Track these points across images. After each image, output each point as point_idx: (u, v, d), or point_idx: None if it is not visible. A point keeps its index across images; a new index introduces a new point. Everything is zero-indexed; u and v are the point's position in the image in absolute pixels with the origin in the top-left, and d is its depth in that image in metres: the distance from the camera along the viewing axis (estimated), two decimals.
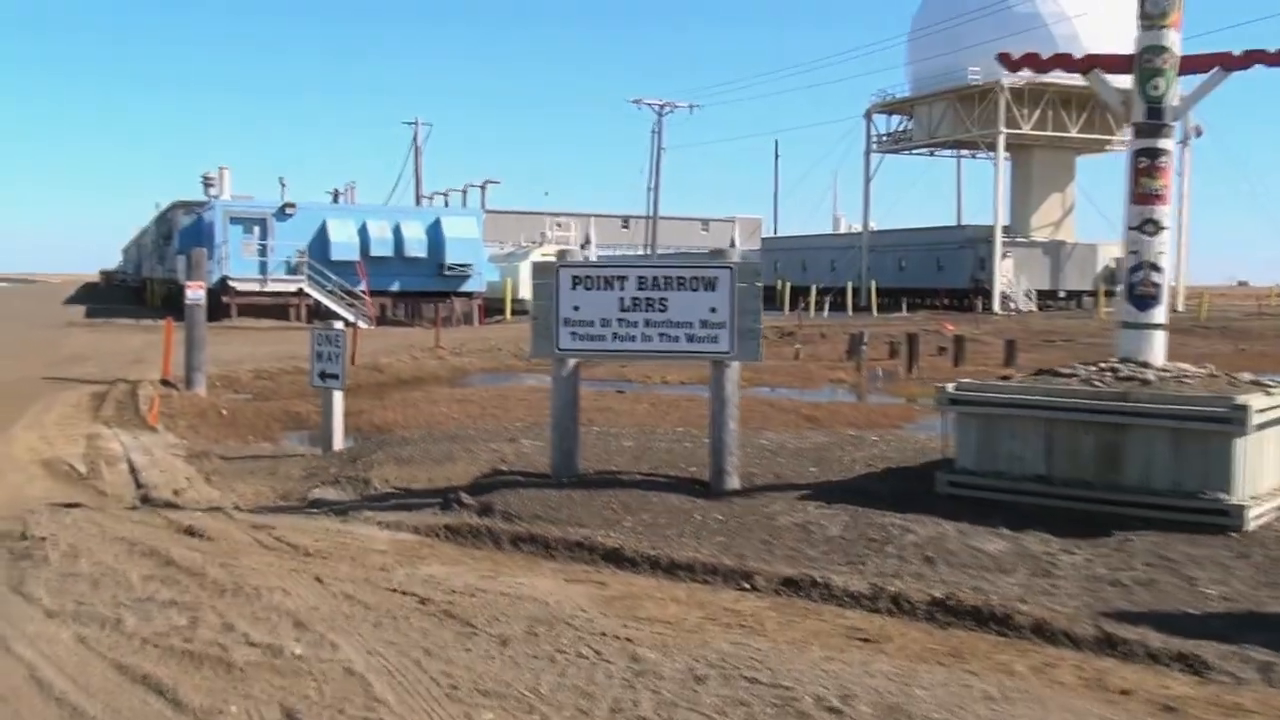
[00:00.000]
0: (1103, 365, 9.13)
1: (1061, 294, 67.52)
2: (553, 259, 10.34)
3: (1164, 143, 9.00)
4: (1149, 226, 8.97)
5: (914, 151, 76.52)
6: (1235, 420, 7.78)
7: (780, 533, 8.21)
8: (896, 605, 6.62)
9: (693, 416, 22.07)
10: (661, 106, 69.44)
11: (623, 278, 9.69)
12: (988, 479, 8.76)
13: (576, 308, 9.77)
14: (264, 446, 15.94)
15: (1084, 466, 8.43)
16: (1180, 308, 64.42)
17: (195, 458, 14.21)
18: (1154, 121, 8.97)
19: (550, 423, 10.33)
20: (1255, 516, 7.84)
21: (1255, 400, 7.93)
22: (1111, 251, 67.81)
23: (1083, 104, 64.68)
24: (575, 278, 9.77)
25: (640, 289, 9.64)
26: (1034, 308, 63.67)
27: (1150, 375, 8.72)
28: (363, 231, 46.92)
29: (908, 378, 33.10)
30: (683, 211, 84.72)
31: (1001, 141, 62.88)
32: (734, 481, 9.70)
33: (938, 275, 67.79)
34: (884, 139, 75.66)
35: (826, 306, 57.30)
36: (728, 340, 9.52)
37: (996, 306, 61.47)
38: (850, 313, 57.59)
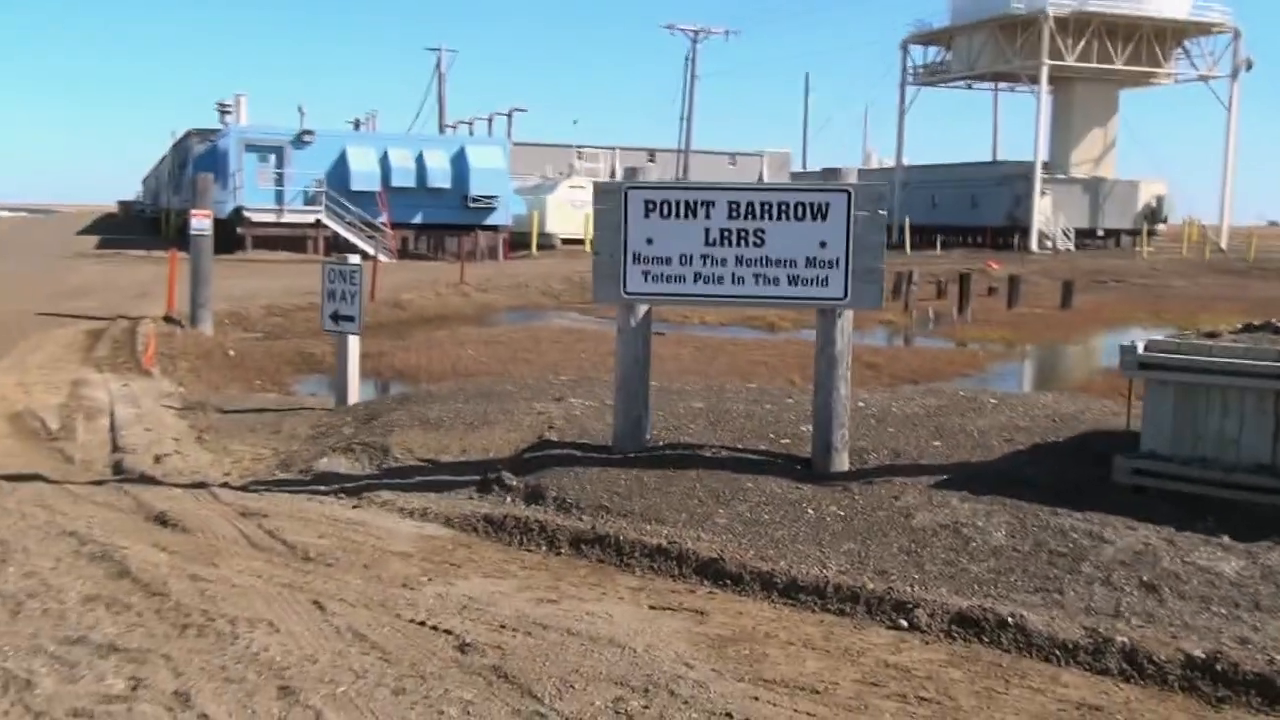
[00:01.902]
0: None
1: (1100, 233, 65.46)
2: (609, 180, 8.35)
3: None
4: None
5: (951, 84, 73.91)
6: None
7: (925, 538, 6.24)
8: (1134, 666, 4.67)
9: (741, 364, 20.12)
10: (696, 33, 66.56)
11: (709, 203, 7.66)
12: (1188, 467, 6.75)
13: (650, 240, 7.75)
14: (269, 397, 14.05)
15: None
16: (1225, 248, 62.20)
17: (190, 410, 12.34)
18: None
19: (615, 383, 8.36)
20: None
21: None
22: (1153, 189, 65.59)
23: (1129, 34, 62.09)
24: (649, 203, 7.74)
25: (731, 218, 7.62)
26: (1071, 246, 61.57)
27: None
28: (384, 160, 44.70)
29: (960, 320, 31.07)
30: (711, 144, 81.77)
31: (1044, 74, 60.17)
32: (844, 460, 7.74)
33: (972, 213, 65.42)
34: (920, 71, 73.06)
35: None
36: (840, 283, 7.51)
37: (1043, 244, 59.24)
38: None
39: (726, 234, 7.64)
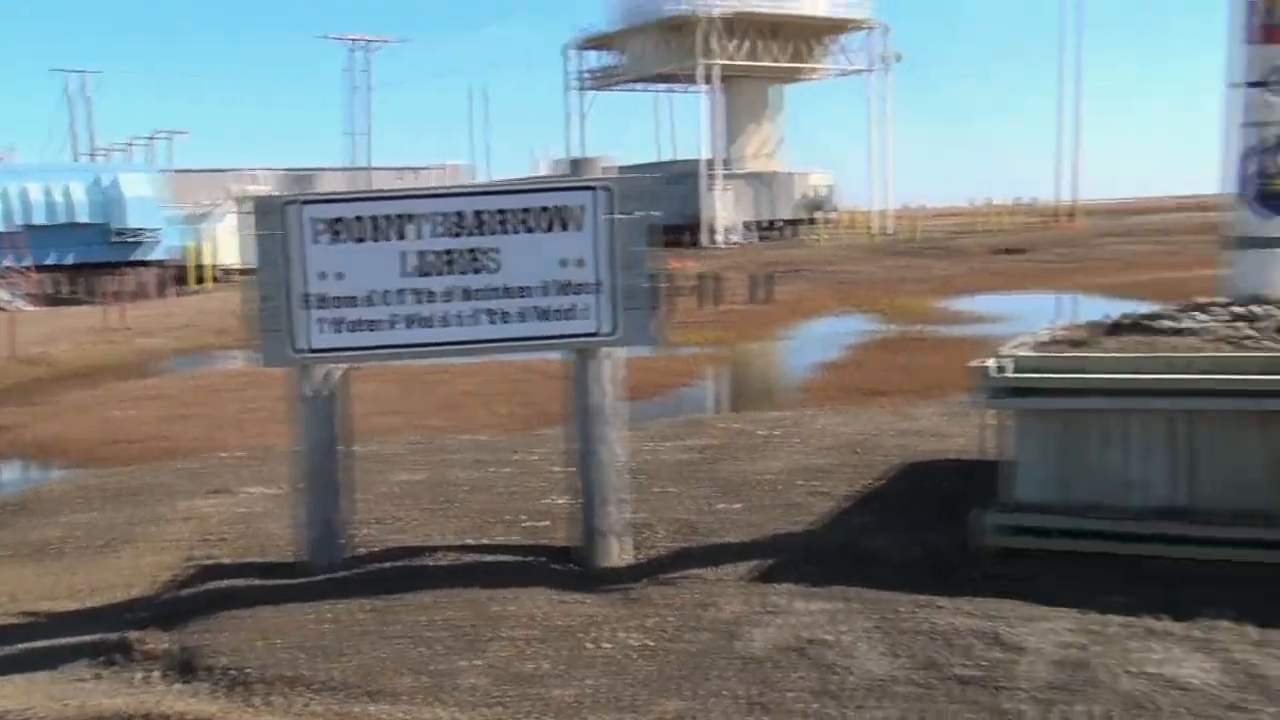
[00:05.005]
0: (1213, 307, 5.78)
1: (773, 224, 67.24)
2: (266, 195, 6.10)
3: None
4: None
5: (624, 87, 74.35)
6: None
7: (774, 675, 4.35)
8: None
9: (445, 396, 17.76)
10: (369, 42, 63.32)
11: (409, 217, 5.50)
12: (1075, 518, 5.20)
13: (330, 275, 5.52)
14: None
15: (1253, 487, 5.02)
16: (891, 231, 65.21)
17: None
18: None
19: (298, 474, 6.05)
20: None
21: None
22: (821, 179, 68.17)
23: (785, 32, 64.19)
24: (323, 222, 5.50)
25: (444, 234, 5.50)
26: (749, 239, 62.76)
27: None
28: (15, 196, 39.38)
29: (662, 323, 29.87)
30: (388, 160, 78.57)
31: (703, 73, 61.14)
32: (625, 549, 5.80)
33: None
34: (592, 75, 73.07)
35: None
36: (601, 313, 5.55)
37: (715, 239, 59.70)
38: None
39: (440, 258, 5.52)
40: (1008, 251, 52.64)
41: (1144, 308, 6.69)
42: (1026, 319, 17.94)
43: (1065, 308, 27.76)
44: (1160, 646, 4.30)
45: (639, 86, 74.73)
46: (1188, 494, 5.09)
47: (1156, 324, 5.76)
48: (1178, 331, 5.59)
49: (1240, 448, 5.01)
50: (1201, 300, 6.01)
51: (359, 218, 5.50)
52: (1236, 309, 5.69)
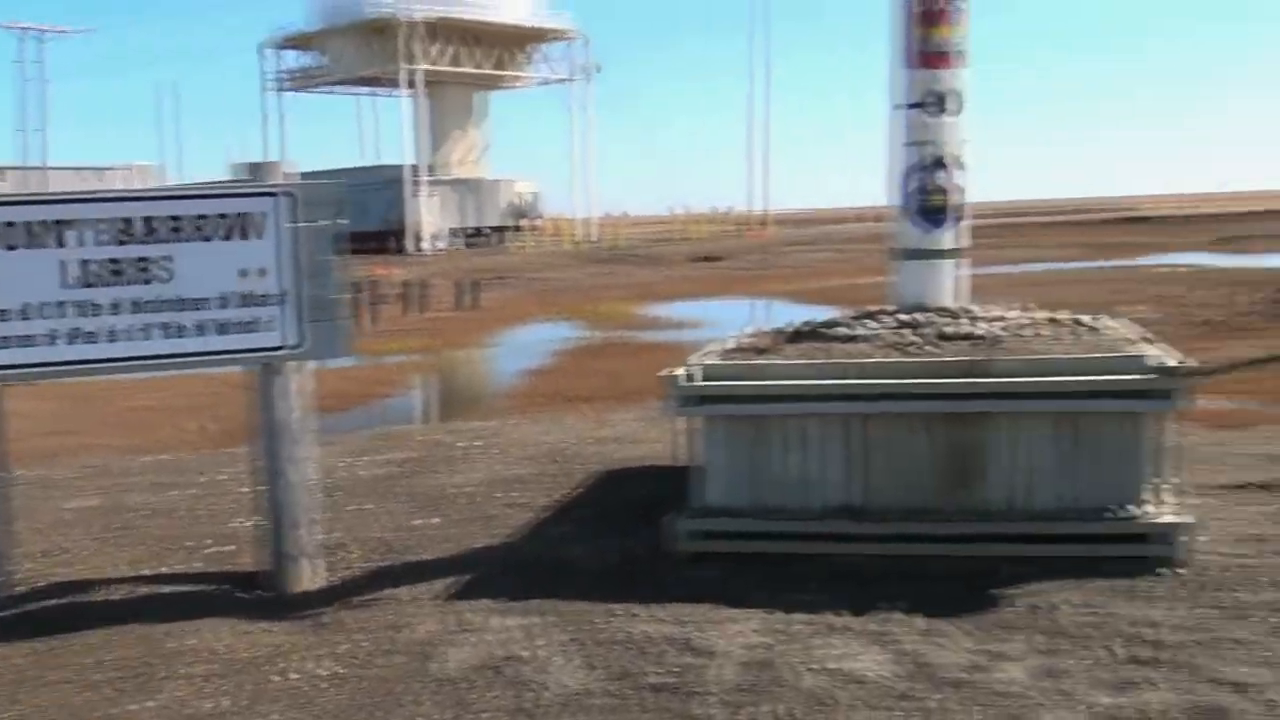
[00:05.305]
0: (883, 314, 6.10)
1: (479, 231, 67.24)
2: None
3: None
4: (935, 101, 5.99)
5: (326, 89, 72.40)
6: (1164, 393, 5.02)
7: (468, 696, 4.26)
8: None
9: (120, 414, 16.45)
10: (26, 30, 58.72)
11: (71, 223, 5.08)
12: (761, 520, 5.38)
13: None
14: None
15: (921, 485, 5.33)
16: (594, 239, 66.62)
17: None
18: None
19: None
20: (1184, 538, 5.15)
21: (1173, 358, 5.22)
22: (526, 187, 68.81)
23: (487, 40, 64.34)
24: None
25: (109, 241, 5.11)
26: (455, 246, 62.45)
27: (982, 329, 5.80)
28: None
29: (369, 332, 29.24)
30: (70, 160, 73.19)
31: (406, 77, 60.41)
32: (316, 571, 5.56)
33: (359, 218, 64.06)
34: (293, 75, 70.71)
35: None
36: (286, 325, 5.31)
37: (421, 246, 59.01)
38: None
39: (105, 268, 5.12)
40: (705, 259, 54.65)
41: (824, 314, 7.00)
42: (720, 324, 18.60)
43: (755, 313, 28.94)
44: (840, 642, 4.50)
45: (340, 89, 72.95)
46: (862, 493, 5.38)
47: (832, 331, 6.06)
48: (851, 338, 5.91)
49: (908, 448, 5.34)
50: (873, 309, 6.38)
51: (10, 223, 5.02)
52: (902, 316, 6.07)
